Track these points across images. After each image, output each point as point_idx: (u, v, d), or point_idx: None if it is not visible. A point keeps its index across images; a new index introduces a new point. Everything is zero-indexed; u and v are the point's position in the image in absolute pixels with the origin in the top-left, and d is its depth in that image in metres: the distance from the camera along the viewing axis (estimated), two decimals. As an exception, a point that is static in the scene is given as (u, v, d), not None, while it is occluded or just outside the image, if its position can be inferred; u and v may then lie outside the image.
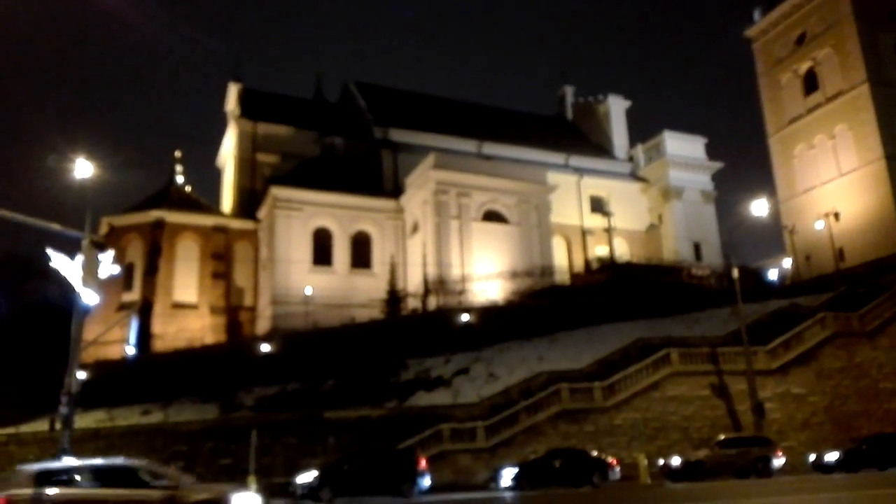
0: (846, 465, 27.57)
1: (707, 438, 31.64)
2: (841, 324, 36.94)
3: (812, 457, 29.45)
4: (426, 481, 24.53)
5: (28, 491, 11.32)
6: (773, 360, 35.38)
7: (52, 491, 11.43)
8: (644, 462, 28.62)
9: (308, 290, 50.51)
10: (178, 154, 60.88)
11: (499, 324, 42.25)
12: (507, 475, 26.71)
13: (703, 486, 23.75)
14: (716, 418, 33.63)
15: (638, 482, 27.80)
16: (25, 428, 34.00)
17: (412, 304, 50.37)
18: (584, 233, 61.97)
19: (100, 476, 12.19)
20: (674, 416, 33.40)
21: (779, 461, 28.08)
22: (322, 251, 54.73)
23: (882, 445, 28.19)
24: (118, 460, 13.35)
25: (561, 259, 58.74)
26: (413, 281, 52.58)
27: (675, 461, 28.17)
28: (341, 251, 55.27)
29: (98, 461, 13.07)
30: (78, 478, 11.99)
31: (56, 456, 25.21)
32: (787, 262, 60.86)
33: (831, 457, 28.33)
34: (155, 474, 12.55)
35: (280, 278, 52.10)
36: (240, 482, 27.24)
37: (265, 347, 41.09)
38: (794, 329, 36.56)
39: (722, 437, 30.01)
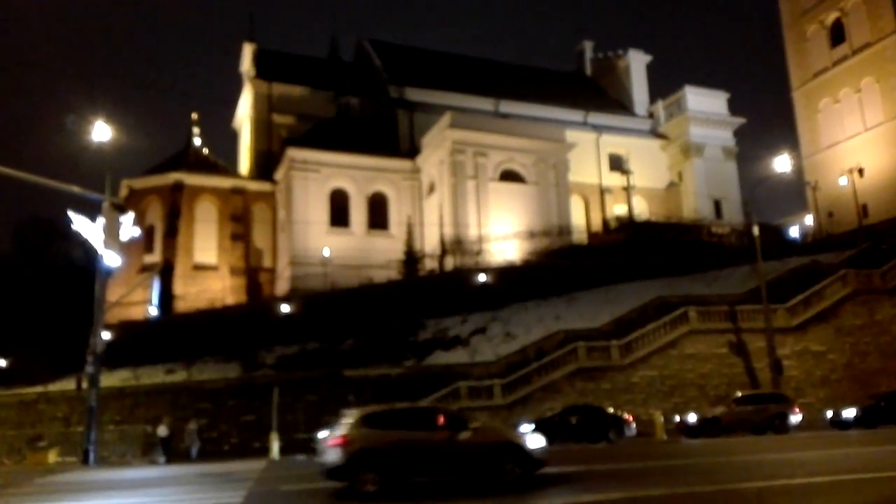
0: (864, 422, 27.55)
1: (724, 395, 31.74)
2: (862, 281, 36.54)
3: (829, 413, 29.46)
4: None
5: (359, 430, 12.90)
6: (793, 317, 35.19)
7: (377, 431, 12.92)
8: (660, 419, 28.85)
9: (326, 252, 50.83)
10: (194, 116, 60.97)
11: (516, 284, 42.35)
12: (524, 431, 27.03)
13: (719, 442, 23.94)
14: (733, 376, 33.69)
15: (654, 438, 28.07)
16: (53, 387, 34.99)
17: (429, 264, 50.56)
18: (603, 191, 61.41)
19: (413, 418, 13.64)
20: (691, 373, 33.51)
21: (796, 418, 28.13)
22: (339, 212, 54.88)
23: (900, 401, 28.08)
24: (426, 406, 15.44)
25: (579, 218, 58.37)
26: (430, 242, 52.67)
27: (692, 418, 28.34)
28: (358, 212, 55.37)
29: (410, 405, 15.05)
30: (396, 420, 13.36)
31: (86, 413, 25.99)
32: (809, 220, 60.02)
33: (849, 413, 28.31)
34: (460, 418, 13.95)
35: (298, 240, 52.44)
36: (263, 439, 28.01)
37: (285, 308, 41.61)
38: (815, 286, 36.26)
39: (739, 393, 30.09)
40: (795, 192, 65.11)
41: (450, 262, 48.98)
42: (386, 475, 12.61)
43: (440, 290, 42.96)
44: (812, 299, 35.75)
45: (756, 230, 34.61)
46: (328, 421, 26.69)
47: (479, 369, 34.00)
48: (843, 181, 54.87)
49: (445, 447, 12.98)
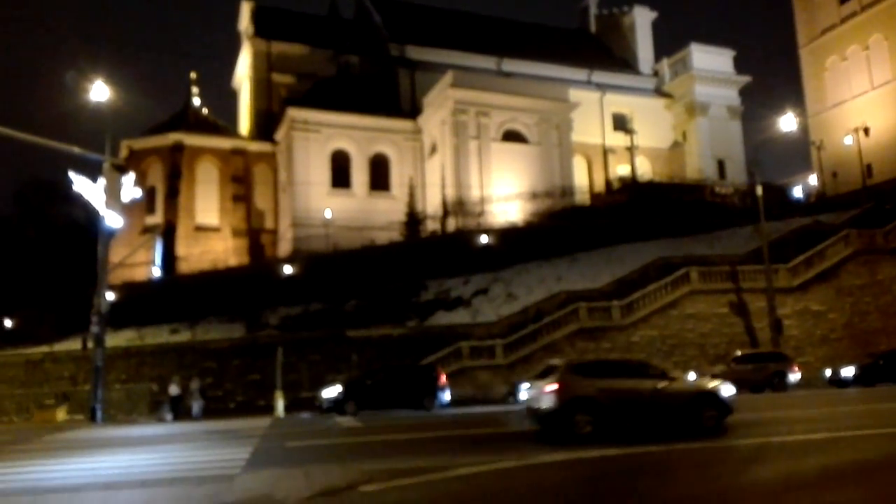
0: (862, 380, 27.84)
1: (724, 354, 32.04)
2: (864, 241, 36.47)
3: (828, 372, 29.74)
4: (446, 395, 25.32)
5: (572, 379, 14.14)
6: (794, 277, 35.25)
7: (588, 379, 14.17)
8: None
9: (328, 213, 50.75)
10: (193, 76, 60.16)
11: (518, 245, 42.36)
12: (525, 389, 27.39)
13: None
14: (733, 335, 33.92)
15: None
16: (59, 346, 35.36)
17: (431, 226, 50.50)
18: (606, 152, 60.93)
19: (618, 369, 15.11)
20: (691, 333, 33.75)
21: (795, 376, 28.43)
22: (340, 173, 54.60)
23: (899, 360, 28.30)
24: (633, 358, 16.48)
25: (582, 179, 58.05)
26: (432, 203, 52.51)
27: (689, 376, 28.60)
28: (360, 173, 55.08)
29: (615, 357, 16.26)
30: (603, 369, 14.81)
31: (92, 372, 26.32)
32: (813, 179, 59.63)
33: (847, 371, 28.58)
34: (657, 369, 15.28)
35: (300, 201, 52.31)
36: (268, 397, 28.40)
37: (288, 269, 41.76)
38: (817, 247, 36.22)
39: (738, 353, 30.35)
40: (800, 151, 64.63)
41: (452, 224, 48.93)
42: (598, 419, 13.77)
43: (442, 252, 43.01)
44: (813, 259, 35.75)
45: (759, 190, 34.43)
46: (332, 379, 27.09)
47: (481, 329, 34.26)
48: (848, 140, 54.32)
49: (651, 395, 14.07)
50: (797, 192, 56.82)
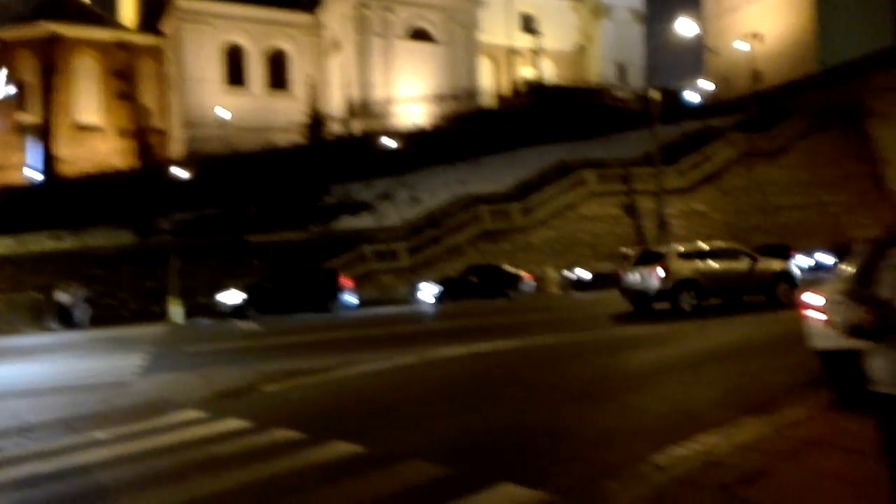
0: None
1: (615, 252, 33.73)
2: (747, 144, 38.59)
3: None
4: (350, 298, 25.52)
5: (678, 262, 16.45)
6: (682, 178, 37.07)
7: (691, 262, 16.55)
8: (553, 275, 30.59)
9: (223, 113, 48.22)
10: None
11: (423, 148, 42.05)
12: (427, 291, 28.11)
13: (605, 294, 25.74)
14: (625, 235, 35.68)
15: (547, 293, 29.84)
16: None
17: (334, 128, 49.11)
18: (512, 53, 60.41)
19: (717, 254, 17.20)
20: (586, 233, 35.23)
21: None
22: (235, 70, 51.67)
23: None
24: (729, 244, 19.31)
25: (487, 81, 57.62)
26: (334, 104, 50.88)
27: (584, 273, 30.20)
28: (256, 70, 52.29)
29: (723, 245, 18.81)
30: (704, 254, 17.06)
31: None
32: (707, 84, 61.71)
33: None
34: (744, 252, 17.62)
35: (192, 99, 49.33)
36: (164, 305, 27.67)
37: (180, 172, 39.73)
38: (703, 149, 38.02)
39: (626, 250, 32.05)
40: (697, 56, 66.32)
41: (356, 126, 47.78)
42: (700, 296, 16.20)
43: (346, 155, 42.12)
44: (700, 161, 37.60)
45: (654, 95, 35.33)
46: (231, 285, 26.60)
47: (385, 233, 34.37)
48: (740, 46, 56.21)
49: (744, 275, 16.57)
50: (692, 96, 58.68)
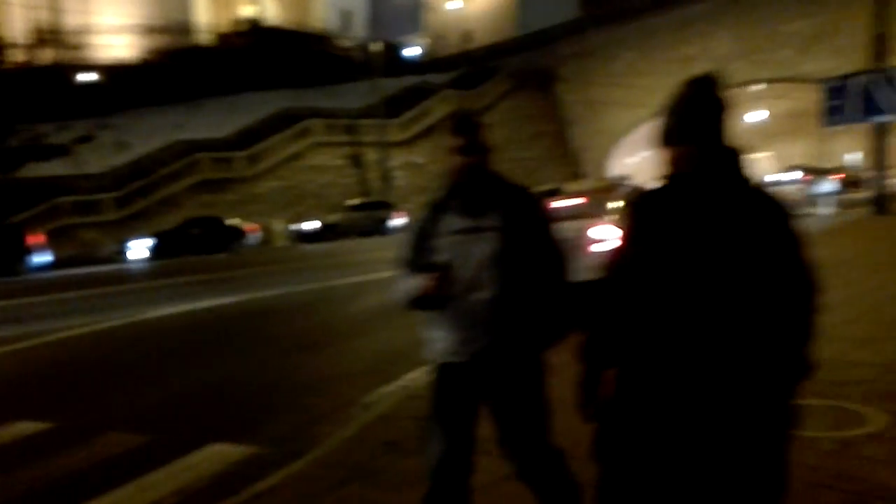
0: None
1: (340, 204, 34.43)
2: (460, 101, 41.60)
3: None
4: (42, 257, 22.55)
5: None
6: (403, 132, 38.87)
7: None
8: (280, 227, 30.31)
9: None
10: None
11: (130, 86, 37.98)
12: (139, 246, 26.01)
13: (332, 245, 26.34)
14: (350, 186, 36.53)
15: (273, 245, 29.52)
16: None
17: (18, 57, 41.85)
18: (231, -12, 56.59)
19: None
20: (312, 184, 35.31)
21: (398, 221, 32.11)
22: None
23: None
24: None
25: (204, 16, 53.41)
26: (16, 27, 43.13)
27: (312, 224, 30.40)
28: None
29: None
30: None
31: None
32: (425, 40, 64.69)
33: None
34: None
35: None
36: None
37: None
38: (422, 104, 40.18)
39: (351, 201, 32.99)
40: (415, 12, 68.86)
41: (46, 56, 41.28)
42: None
43: (33, 89, 36.24)
44: (419, 116, 39.73)
45: (377, 47, 36.22)
46: None
47: (87, 182, 30.70)
48: (452, 5, 59.67)
49: None
50: (413, 51, 61.08)
